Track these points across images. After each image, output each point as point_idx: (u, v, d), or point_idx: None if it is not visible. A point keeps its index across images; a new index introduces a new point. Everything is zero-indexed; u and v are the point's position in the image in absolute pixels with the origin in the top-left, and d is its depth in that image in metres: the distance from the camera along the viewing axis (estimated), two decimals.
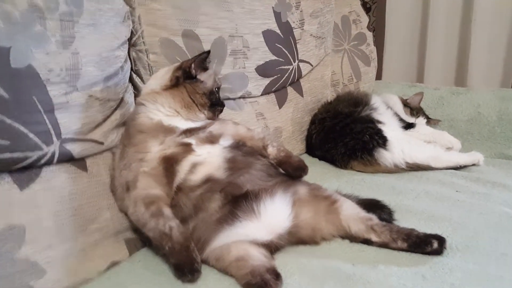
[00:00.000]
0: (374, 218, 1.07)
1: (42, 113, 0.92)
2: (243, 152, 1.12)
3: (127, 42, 1.20)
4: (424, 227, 1.07)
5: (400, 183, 1.46)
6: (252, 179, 1.06)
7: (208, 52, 1.16)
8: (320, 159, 1.76)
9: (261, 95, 1.67)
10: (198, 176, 1.03)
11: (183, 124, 1.11)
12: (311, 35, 1.87)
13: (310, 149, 1.82)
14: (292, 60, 1.75)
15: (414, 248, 1.00)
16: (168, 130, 1.08)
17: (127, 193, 1.02)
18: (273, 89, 1.71)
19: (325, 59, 2.05)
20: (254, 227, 0.99)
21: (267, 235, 1.00)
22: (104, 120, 1.11)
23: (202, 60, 1.16)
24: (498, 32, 2.65)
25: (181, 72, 1.15)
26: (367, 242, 1.05)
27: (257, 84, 1.62)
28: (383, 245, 1.03)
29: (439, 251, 0.99)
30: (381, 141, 1.59)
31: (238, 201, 1.01)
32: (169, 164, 1.03)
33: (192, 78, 1.15)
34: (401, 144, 1.60)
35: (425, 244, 0.99)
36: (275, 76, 1.68)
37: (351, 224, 1.06)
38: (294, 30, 1.77)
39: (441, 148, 1.70)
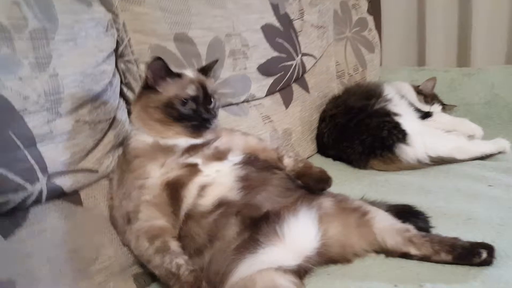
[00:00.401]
0: (411, 229, 0.96)
1: (22, 149, 0.79)
2: (257, 167, 1.00)
3: (114, 54, 1.07)
4: (464, 233, 0.96)
5: (427, 181, 1.34)
6: (270, 197, 0.94)
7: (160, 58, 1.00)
8: (334, 159, 1.63)
9: (266, 96, 1.54)
10: (208, 200, 0.91)
11: (182, 141, 0.99)
12: (312, 25, 1.74)
13: (322, 149, 1.70)
14: (294, 54, 1.62)
15: (460, 260, 0.89)
16: (167, 150, 0.97)
17: (128, 225, 0.91)
18: (277, 89, 1.58)
19: (328, 49, 1.92)
20: (279, 252, 0.88)
21: (295, 260, 0.89)
22: (96, 145, 0.98)
23: (161, 66, 1.00)
24: (500, 7, 2.52)
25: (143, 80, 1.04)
26: (405, 256, 0.94)
27: (260, 84, 1.49)
28: (424, 259, 0.92)
29: (488, 262, 0.88)
30: (401, 135, 1.47)
31: (258, 224, 0.89)
32: (174, 189, 0.91)
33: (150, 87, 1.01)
34: (422, 137, 1.48)
35: (472, 255, 0.88)
36: (279, 74, 1.55)
37: (386, 238, 0.95)
38: (294, 21, 1.64)
39: (463, 137, 1.57)
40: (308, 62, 1.73)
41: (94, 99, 0.95)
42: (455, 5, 2.66)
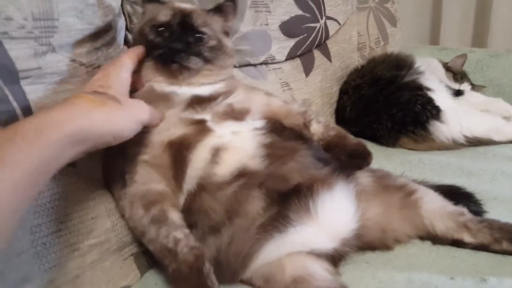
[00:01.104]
0: (466, 212, 0.83)
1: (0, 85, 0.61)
2: (283, 136, 0.81)
3: None
4: None
5: (466, 162, 1.20)
6: (300, 169, 0.77)
7: None
8: (356, 135, 1.46)
9: (286, 60, 1.36)
10: (226, 169, 0.73)
11: (181, 90, 0.80)
12: None
13: (343, 124, 1.52)
14: (319, 16, 1.45)
15: None
16: (165, 100, 0.78)
17: (123, 189, 0.75)
18: (298, 53, 1.40)
19: (351, 18, 1.75)
20: (312, 232, 0.72)
21: (330, 242, 0.74)
22: None
23: None
24: None
25: None
26: (456, 244, 0.81)
27: (281, 46, 1.31)
28: (480, 247, 0.79)
29: None
30: (435, 111, 1.32)
31: (287, 199, 0.72)
32: (178, 151, 0.74)
33: None
34: (458, 115, 1.34)
35: None
36: (301, 36, 1.38)
37: (435, 222, 0.81)
38: None
39: (500, 118, 1.43)
40: (332, 27, 1.56)
41: (95, 38, 0.77)
42: None
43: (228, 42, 0.89)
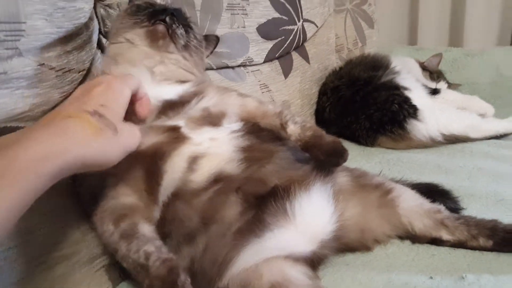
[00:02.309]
0: (443, 210, 0.83)
1: None
2: (261, 138, 0.79)
3: None
4: (498, 216, 0.82)
5: (443, 159, 1.21)
6: (278, 170, 0.75)
7: None
8: (336, 135, 1.46)
9: (264, 62, 1.36)
10: (202, 175, 0.70)
11: (152, 95, 0.75)
12: None
13: (323, 125, 1.52)
14: (296, 18, 1.45)
15: (503, 247, 0.76)
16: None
17: (94, 205, 0.71)
18: (276, 55, 1.40)
19: (328, 20, 1.76)
20: (290, 235, 0.70)
21: (308, 245, 0.72)
22: (64, 99, 0.78)
23: None
24: None
25: None
26: (435, 242, 0.81)
27: (259, 48, 1.31)
28: (458, 245, 0.79)
29: None
30: (412, 110, 1.33)
31: (264, 202, 0.70)
32: (151, 162, 0.70)
33: None
34: (434, 113, 1.35)
35: None
36: (279, 39, 1.38)
37: (413, 220, 0.81)
38: None
39: (476, 115, 1.45)
40: (309, 29, 1.56)
41: (65, 41, 0.75)
42: None
43: (205, 54, 0.91)
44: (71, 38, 0.77)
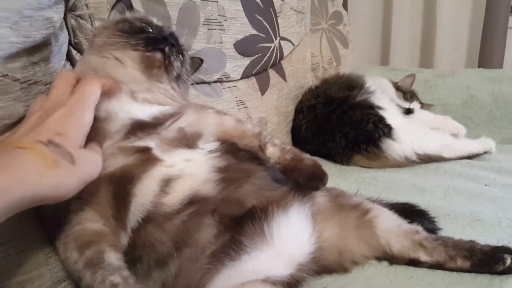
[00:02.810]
0: (420, 231, 0.82)
1: None
2: (238, 157, 0.77)
3: (63, 3, 0.84)
4: (474, 236, 0.83)
5: (418, 179, 1.21)
6: (255, 190, 0.73)
7: None
8: (312, 154, 1.46)
9: (241, 78, 1.35)
10: (176, 197, 0.66)
11: (122, 111, 0.72)
12: (292, 8, 1.59)
13: (299, 143, 1.53)
14: (273, 36, 1.45)
15: (480, 268, 0.76)
16: (100, 130, 0.69)
17: (57, 229, 0.66)
18: (253, 72, 1.39)
19: (305, 39, 1.77)
20: (267, 258, 0.67)
21: (286, 268, 0.69)
22: None
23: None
24: (463, 13, 2.60)
25: None
26: (413, 263, 0.79)
27: (236, 64, 1.30)
28: (436, 266, 0.78)
29: None
30: (387, 129, 1.34)
31: (240, 224, 0.67)
32: (119, 185, 0.66)
33: None
34: (409, 133, 1.36)
35: (495, 262, 0.75)
36: (256, 56, 1.37)
37: (391, 241, 0.80)
38: (274, 0, 1.46)
39: (449, 135, 1.48)
40: (286, 47, 1.57)
41: (32, 52, 0.71)
42: (420, 9, 2.72)
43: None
44: (39, 49, 0.73)
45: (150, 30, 0.78)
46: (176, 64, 0.78)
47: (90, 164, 0.61)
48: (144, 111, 0.73)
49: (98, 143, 0.67)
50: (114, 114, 0.71)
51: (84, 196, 0.65)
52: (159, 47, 0.75)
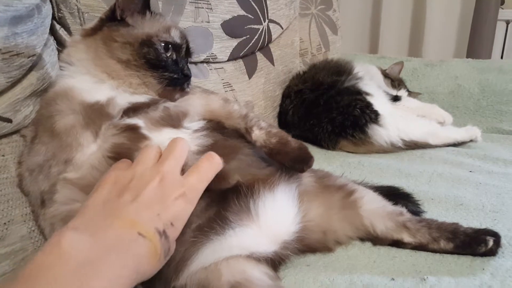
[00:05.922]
0: (405, 212, 0.83)
1: None
2: (225, 134, 0.77)
3: None
4: (458, 220, 0.83)
5: (404, 164, 1.22)
6: (242, 167, 0.73)
7: None
8: (298, 138, 1.44)
9: (228, 60, 1.33)
10: None
11: (121, 98, 0.74)
12: None
13: (285, 128, 1.52)
14: (262, 18, 1.43)
15: (463, 250, 0.76)
16: (98, 112, 0.71)
17: (42, 209, 0.66)
18: (241, 54, 1.37)
19: (293, 23, 1.75)
20: (252, 235, 0.68)
21: (270, 245, 0.70)
22: (12, 85, 0.72)
23: None
24: (453, 3, 2.62)
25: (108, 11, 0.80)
26: (396, 244, 0.80)
27: (223, 45, 1.28)
28: (419, 247, 0.79)
29: (493, 251, 0.75)
30: (373, 115, 1.34)
31: (226, 200, 0.68)
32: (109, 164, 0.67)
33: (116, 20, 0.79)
34: (395, 119, 1.37)
35: (477, 243, 0.76)
36: (244, 37, 1.35)
37: (375, 222, 0.80)
38: None
39: (435, 123, 1.49)
40: (275, 30, 1.55)
41: (14, 22, 0.69)
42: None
43: None
44: (21, 20, 0.71)
45: (173, 67, 0.80)
46: (187, 90, 0.83)
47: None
48: (141, 97, 0.77)
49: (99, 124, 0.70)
50: (113, 100, 0.73)
51: (74, 178, 0.65)
52: (182, 86, 0.81)
